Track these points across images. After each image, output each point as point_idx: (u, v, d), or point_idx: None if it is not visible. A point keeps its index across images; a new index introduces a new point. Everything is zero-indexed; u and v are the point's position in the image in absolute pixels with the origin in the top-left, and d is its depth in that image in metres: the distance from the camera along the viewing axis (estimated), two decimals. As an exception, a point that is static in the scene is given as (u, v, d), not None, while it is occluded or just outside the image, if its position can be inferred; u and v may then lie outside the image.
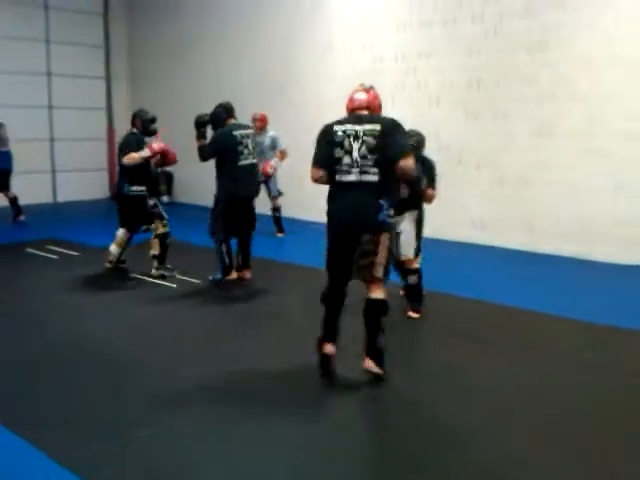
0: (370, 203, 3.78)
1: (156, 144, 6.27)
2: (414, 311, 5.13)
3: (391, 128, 3.82)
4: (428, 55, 8.44)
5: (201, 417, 3.50)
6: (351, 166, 3.79)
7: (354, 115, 3.94)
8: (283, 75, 10.04)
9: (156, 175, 6.60)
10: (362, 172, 3.78)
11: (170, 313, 5.37)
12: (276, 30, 10.05)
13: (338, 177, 3.85)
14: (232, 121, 6.06)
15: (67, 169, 12.03)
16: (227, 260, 6.16)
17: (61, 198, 12.14)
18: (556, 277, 6.56)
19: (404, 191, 4.79)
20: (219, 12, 10.80)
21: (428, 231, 7.05)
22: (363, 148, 3.76)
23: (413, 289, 5.16)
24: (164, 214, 6.38)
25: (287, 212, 8.94)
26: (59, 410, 3.57)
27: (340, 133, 3.83)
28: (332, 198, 3.93)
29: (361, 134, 3.78)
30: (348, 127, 3.83)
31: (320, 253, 4.05)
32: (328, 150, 3.86)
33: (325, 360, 3.95)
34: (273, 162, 8.07)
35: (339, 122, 3.92)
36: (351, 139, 3.79)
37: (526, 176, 7.58)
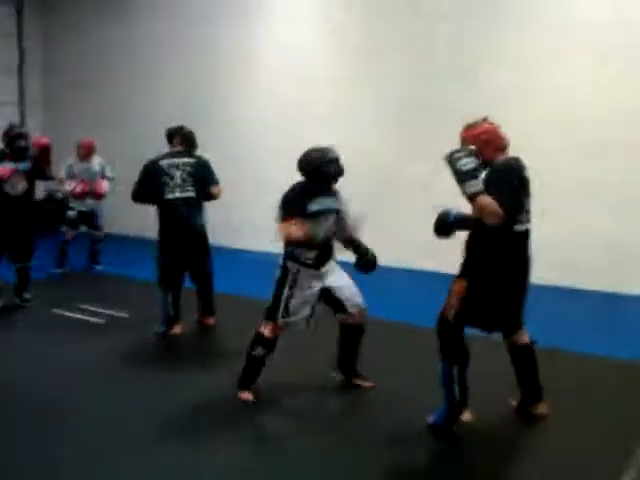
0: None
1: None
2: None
3: None
4: (361, 81, 8.48)
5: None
6: (528, 213, 3.53)
7: (517, 158, 3.56)
8: (211, 102, 9.83)
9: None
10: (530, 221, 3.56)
11: (96, 350, 5.08)
12: (205, 56, 9.83)
13: (517, 227, 3.46)
14: (173, 148, 5.52)
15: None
16: (170, 311, 5.45)
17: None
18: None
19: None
20: (144, 36, 10.50)
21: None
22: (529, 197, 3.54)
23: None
24: None
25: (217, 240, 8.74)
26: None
27: (527, 177, 3.49)
28: (504, 249, 3.48)
29: (528, 182, 3.52)
30: (527, 172, 3.50)
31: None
32: (520, 196, 3.46)
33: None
34: (105, 184, 7.63)
35: (519, 160, 3.51)
36: (529, 184, 3.51)
37: (460, 202, 7.67)
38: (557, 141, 7.07)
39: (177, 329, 5.48)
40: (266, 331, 4.07)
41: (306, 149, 4.11)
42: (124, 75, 10.76)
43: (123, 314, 5.99)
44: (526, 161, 3.60)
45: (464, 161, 3.35)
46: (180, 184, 5.34)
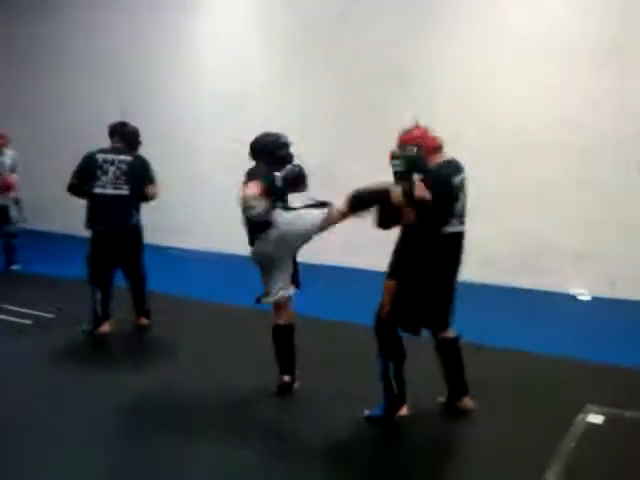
0: None
1: None
2: None
3: None
4: (292, 80, 8.49)
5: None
6: (462, 215, 3.67)
7: (453, 161, 3.71)
8: (148, 98, 9.64)
9: None
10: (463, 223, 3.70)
11: (24, 351, 4.91)
12: (139, 51, 9.65)
13: (447, 228, 3.62)
14: (113, 144, 5.43)
15: None
16: (98, 310, 5.34)
17: None
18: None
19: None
20: (78, 27, 10.19)
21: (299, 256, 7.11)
22: (464, 200, 3.69)
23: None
24: None
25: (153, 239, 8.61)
26: None
27: (456, 184, 3.63)
28: (435, 250, 3.63)
29: (462, 185, 3.68)
30: (458, 178, 3.65)
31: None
32: (447, 202, 3.59)
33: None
34: (16, 177, 7.59)
35: (453, 172, 3.63)
36: (459, 190, 3.65)
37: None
38: (486, 142, 7.21)
39: (105, 327, 5.37)
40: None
41: (258, 134, 4.21)
42: (56, 68, 10.43)
43: (49, 314, 5.82)
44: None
45: (393, 162, 3.60)
46: (113, 180, 5.25)
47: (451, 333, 3.88)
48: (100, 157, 5.27)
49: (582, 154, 6.85)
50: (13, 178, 7.54)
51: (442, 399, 3.99)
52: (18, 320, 5.66)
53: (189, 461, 3.31)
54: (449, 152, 3.78)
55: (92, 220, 5.31)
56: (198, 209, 9.10)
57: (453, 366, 3.89)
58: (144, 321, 5.60)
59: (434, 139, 3.72)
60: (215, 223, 8.42)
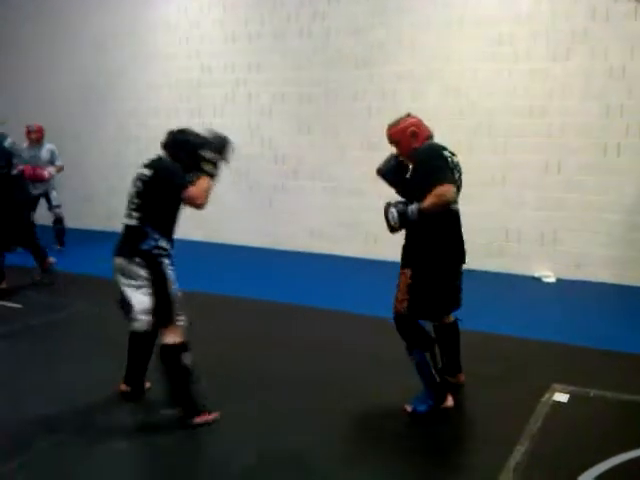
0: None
1: None
2: None
3: None
4: (258, 67, 8.47)
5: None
6: (457, 196, 3.64)
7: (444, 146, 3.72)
8: (104, 83, 9.56)
9: None
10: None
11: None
12: (97, 35, 9.55)
13: (454, 205, 3.64)
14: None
15: None
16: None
17: None
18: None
19: None
20: (34, 12, 10.04)
21: (267, 241, 7.08)
22: (459, 181, 3.66)
23: None
24: None
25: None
26: None
27: (449, 160, 3.61)
28: (447, 226, 3.64)
29: (458, 166, 3.68)
30: (448, 152, 3.66)
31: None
32: (449, 170, 3.57)
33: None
34: (51, 169, 7.92)
35: (444, 148, 3.67)
36: (455, 169, 3.64)
37: (358, 187, 7.82)
38: (452, 127, 7.21)
39: (3, 284, 6.36)
40: (177, 338, 3.48)
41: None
42: (13, 55, 10.29)
43: (17, 305, 5.80)
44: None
45: (391, 216, 3.62)
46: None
47: (450, 317, 4.00)
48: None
49: (548, 138, 6.95)
50: (47, 171, 7.82)
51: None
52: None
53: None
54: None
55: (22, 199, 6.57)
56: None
57: (451, 346, 4.04)
58: (51, 259, 6.72)
59: (427, 127, 3.76)
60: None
